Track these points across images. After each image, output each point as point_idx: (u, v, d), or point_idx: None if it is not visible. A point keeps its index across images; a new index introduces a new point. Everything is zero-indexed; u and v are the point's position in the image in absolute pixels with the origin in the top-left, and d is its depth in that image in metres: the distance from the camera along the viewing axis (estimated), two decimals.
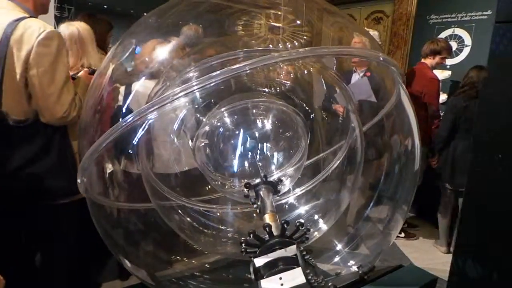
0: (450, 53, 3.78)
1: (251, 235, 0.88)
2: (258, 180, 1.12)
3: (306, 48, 1.08)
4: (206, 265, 1.55)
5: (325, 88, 1.41)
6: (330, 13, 1.35)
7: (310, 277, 0.72)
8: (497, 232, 0.80)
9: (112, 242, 1.28)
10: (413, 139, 1.28)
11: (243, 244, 0.89)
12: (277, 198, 1.37)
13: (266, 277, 0.77)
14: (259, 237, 0.88)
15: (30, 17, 1.61)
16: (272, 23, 1.33)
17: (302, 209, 1.55)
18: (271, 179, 1.15)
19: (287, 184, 1.46)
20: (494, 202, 0.80)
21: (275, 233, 0.87)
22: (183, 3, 1.34)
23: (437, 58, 3.64)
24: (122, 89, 1.34)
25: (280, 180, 1.18)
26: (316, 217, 1.56)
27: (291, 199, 1.53)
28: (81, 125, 1.24)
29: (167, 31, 1.34)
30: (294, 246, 0.80)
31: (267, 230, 0.87)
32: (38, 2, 1.71)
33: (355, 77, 2.70)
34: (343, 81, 1.46)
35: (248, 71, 0.96)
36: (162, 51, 1.28)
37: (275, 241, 0.85)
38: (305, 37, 1.31)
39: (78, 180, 1.14)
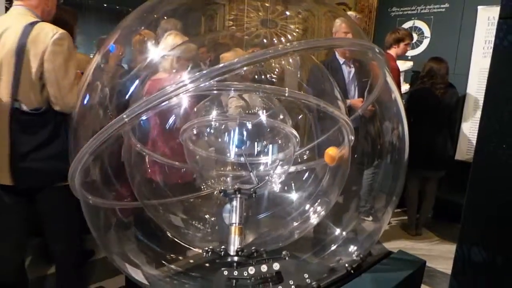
0: (412, 39, 3.86)
1: (222, 252, 1.14)
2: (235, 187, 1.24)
3: (300, 41, 1.07)
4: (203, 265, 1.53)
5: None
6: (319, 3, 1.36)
7: None
8: (502, 219, 0.85)
9: (106, 242, 1.24)
10: (403, 126, 1.32)
11: (209, 252, 1.16)
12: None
13: None
14: (226, 253, 1.14)
15: (42, 21, 1.88)
16: (263, 17, 1.31)
17: (294, 195, 1.57)
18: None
19: (276, 180, 1.48)
20: (498, 189, 0.84)
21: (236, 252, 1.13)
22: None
23: (402, 46, 3.70)
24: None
25: (255, 193, 1.27)
26: (307, 207, 1.58)
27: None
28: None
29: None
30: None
31: (239, 254, 1.13)
32: (46, 9, 1.99)
33: (346, 70, 2.77)
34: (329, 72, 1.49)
35: (244, 68, 0.96)
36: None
37: (233, 260, 1.11)
38: (297, 30, 1.31)
39: (71, 177, 1.08)
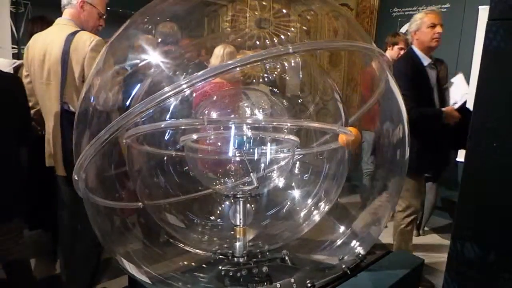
0: (407, 44, 3.87)
1: (223, 253, 1.23)
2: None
3: (295, 44, 1.08)
4: (203, 265, 1.55)
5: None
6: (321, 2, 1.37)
7: None
8: (494, 215, 0.86)
9: (110, 243, 1.27)
10: (403, 126, 1.34)
11: (212, 253, 1.25)
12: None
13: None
14: (228, 254, 1.23)
15: (81, 30, 2.11)
16: (259, 16, 1.32)
17: (296, 193, 1.59)
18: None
19: (275, 178, 1.50)
20: (490, 186, 0.86)
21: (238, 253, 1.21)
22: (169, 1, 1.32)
23: (395, 48, 3.78)
24: None
25: (259, 195, 1.30)
26: (308, 205, 1.59)
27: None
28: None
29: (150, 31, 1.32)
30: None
31: (241, 254, 1.21)
32: (82, 18, 2.22)
33: (431, 72, 2.68)
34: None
35: (238, 69, 0.97)
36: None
37: (234, 261, 1.19)
38: (292, 29, 1.31)
39: (75, 177, 1.10)
